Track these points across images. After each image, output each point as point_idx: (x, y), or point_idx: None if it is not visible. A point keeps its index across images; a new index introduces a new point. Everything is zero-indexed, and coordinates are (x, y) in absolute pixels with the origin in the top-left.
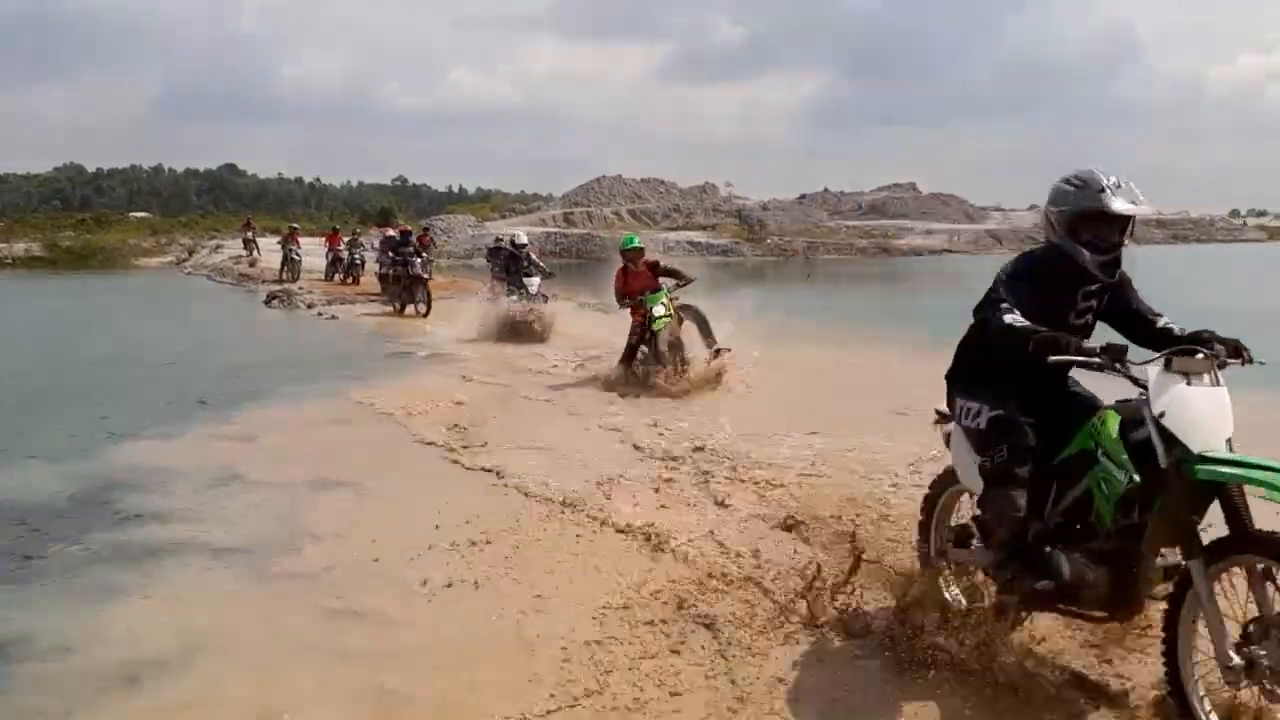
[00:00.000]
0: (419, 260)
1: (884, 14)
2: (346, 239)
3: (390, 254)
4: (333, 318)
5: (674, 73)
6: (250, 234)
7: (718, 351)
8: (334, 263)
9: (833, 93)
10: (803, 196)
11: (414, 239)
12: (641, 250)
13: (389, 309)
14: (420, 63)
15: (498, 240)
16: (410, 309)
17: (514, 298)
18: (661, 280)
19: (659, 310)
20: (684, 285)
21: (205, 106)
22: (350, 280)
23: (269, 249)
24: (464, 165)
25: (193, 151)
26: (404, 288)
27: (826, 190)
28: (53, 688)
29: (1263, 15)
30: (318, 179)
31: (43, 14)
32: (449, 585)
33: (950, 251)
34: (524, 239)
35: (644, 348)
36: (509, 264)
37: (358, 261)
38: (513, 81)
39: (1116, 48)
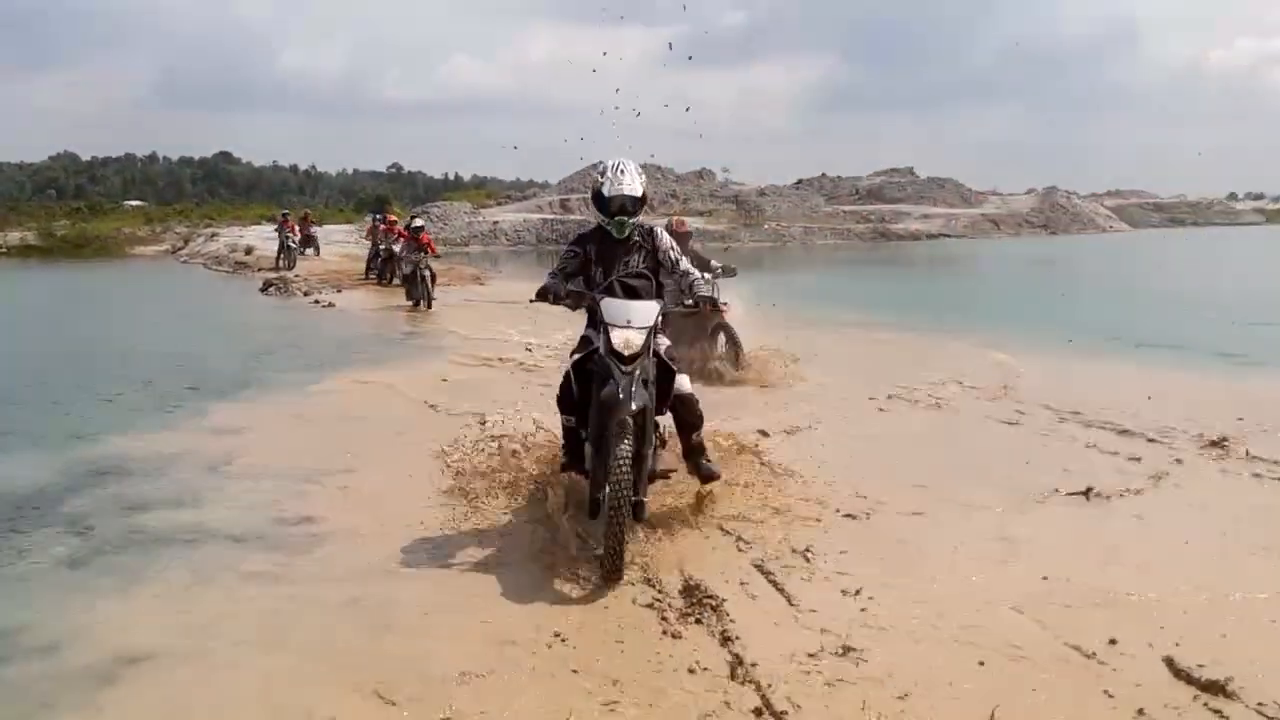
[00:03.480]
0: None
1: None
2: (382, 228)
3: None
4: (330, 305)
5: (673, 58)
6: (292, 232)
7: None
8: (378, 259)
9: (831, 77)
10: (800, 182)
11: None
12: None
13: (384, 297)
14: (417, 49)
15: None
16: None
17: None
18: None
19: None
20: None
21: (200, 94)
22: (387, 280)
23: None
24: (460, 152)
25: (187, 139)
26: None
27: (824, 175)
28: (25, 691)
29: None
30: (313, 166)
31: (37, 2)
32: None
33: (947, 236)
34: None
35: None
36: None
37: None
38: (510, 68)
39: (1115, 31)
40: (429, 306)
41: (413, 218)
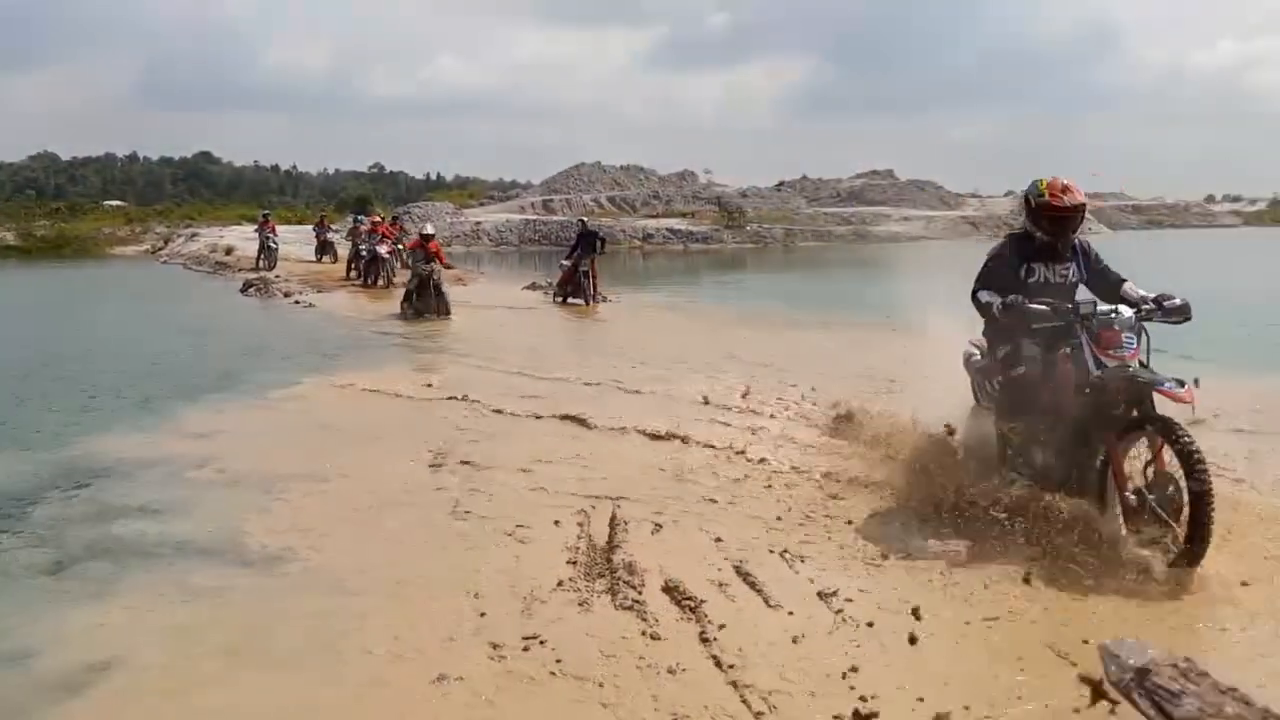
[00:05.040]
0: None
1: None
2: (365, 228)
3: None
4: (310, 305)
5: (657, 59)
6: (273, 233)
7: None
8: (360, 260)
9: (814, 79)
10: (781, 184)
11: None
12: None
13: (368, 300)
14: (400, 49)
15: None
16: None
17: None
18: None
19: None
20: None
21: (181, 93)
22: (384, 283)
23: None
24: (442, 152)
25: (167, 139)
26: None
27: (805, 177)
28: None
29: (1243, 1)
30: (294, 166)
31: (18, 1)
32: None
33: (927, 238)
34: None
35: None
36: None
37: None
38: (494, 68)
39: (1097, 34)
40: (440, 315)
41: (395, 218)
